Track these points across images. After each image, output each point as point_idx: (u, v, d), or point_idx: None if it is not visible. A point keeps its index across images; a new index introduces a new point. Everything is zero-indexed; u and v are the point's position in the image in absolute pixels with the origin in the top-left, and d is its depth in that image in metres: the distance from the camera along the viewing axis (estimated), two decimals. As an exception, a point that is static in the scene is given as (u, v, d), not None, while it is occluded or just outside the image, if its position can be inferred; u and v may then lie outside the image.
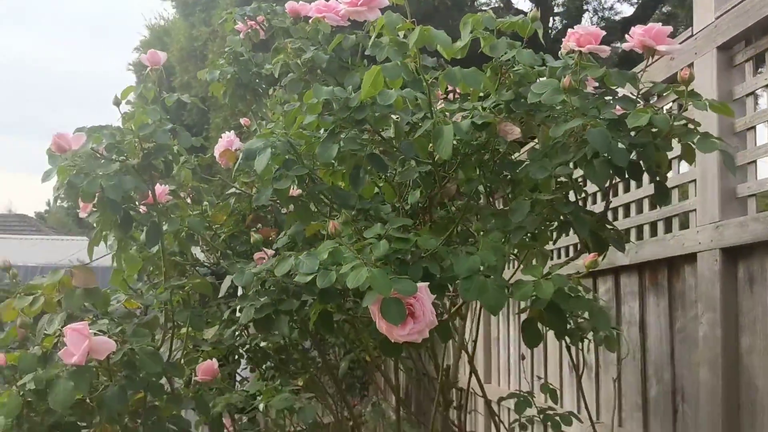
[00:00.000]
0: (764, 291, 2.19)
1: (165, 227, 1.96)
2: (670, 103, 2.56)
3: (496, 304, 1.45)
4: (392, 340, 1.47)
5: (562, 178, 1.80)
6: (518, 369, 3.72)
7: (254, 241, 1.78)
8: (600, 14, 9.34)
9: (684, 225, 2.68)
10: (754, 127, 2.34)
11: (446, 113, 1.68)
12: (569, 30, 1.64)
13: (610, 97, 1.66)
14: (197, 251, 2.56)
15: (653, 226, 2.88)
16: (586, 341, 2.34)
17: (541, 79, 1.78)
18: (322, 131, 1.66)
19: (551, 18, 9.02)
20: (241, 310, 1.72)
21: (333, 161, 1.76)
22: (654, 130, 1.60)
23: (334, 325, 1.81)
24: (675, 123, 1.59)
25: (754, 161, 2.32)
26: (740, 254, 2.31)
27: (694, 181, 2.57)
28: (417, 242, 1.51)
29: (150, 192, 1.87)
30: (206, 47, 6.90)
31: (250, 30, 2.18)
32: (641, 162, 1.63)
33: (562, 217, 1.65)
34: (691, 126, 1.62)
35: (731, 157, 1.61)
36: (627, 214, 3.18)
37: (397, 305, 1.41)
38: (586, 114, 1.57)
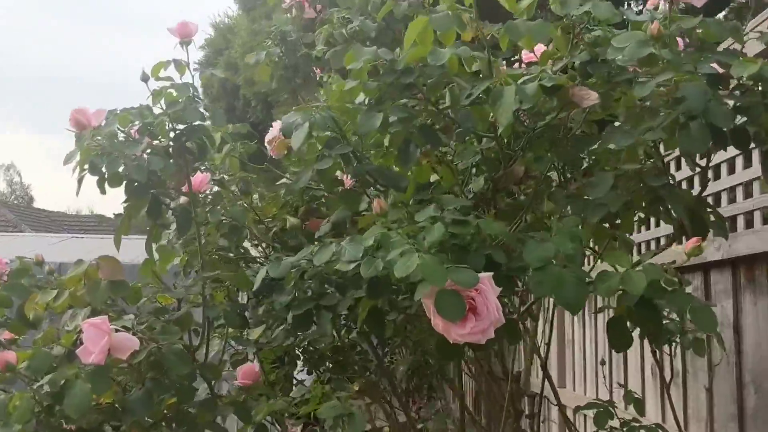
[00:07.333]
0: None
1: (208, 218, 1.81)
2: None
3: (576, 301, 1.19)
4: (451, 341, 1.24)
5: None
6: (595, 375, 3.42)
7: (290, 226, 1.59)
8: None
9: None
10: None
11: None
12: (657, -25, 1.39)
13: (709, 54, 1.38)
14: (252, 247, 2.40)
15: (749, 216, 2.56)
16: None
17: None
18: (366, 101, 1.45)
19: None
20: (276, 306, 1.52)
21: (384, 144, 1.56)
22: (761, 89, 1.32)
23: (385, 323, 1.60)
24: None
25: None
26: None
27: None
28: (478, 226, 1.28)
29: (185, 178, 1.71)
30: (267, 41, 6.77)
31: (295, 3, 2.00)
32: (747, 128, 1.35)
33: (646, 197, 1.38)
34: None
35: None
36: (717, 204, 2.87)
37: (454, 298, 1.18)
38: (678, 69, 1.31)
